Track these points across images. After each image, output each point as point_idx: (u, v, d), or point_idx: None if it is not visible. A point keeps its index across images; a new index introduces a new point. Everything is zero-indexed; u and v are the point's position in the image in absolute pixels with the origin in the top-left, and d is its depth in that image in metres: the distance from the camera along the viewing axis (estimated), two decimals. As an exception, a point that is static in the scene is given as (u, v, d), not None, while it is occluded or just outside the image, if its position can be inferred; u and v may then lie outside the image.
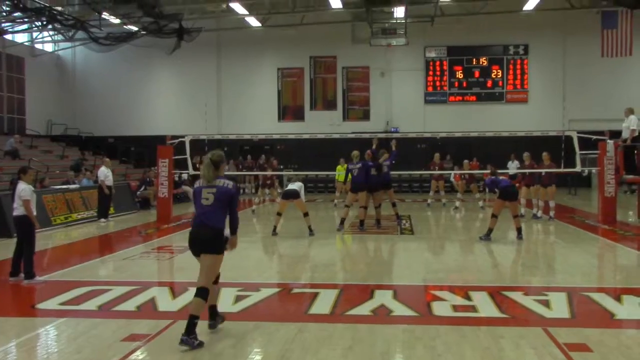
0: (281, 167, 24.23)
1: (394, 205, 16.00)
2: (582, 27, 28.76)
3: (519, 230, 13.19)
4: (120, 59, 30.21)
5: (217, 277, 6.63)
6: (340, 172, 21.28)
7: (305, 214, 14.20)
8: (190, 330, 5.97)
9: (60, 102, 32.24)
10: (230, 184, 6.45)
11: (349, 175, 15.16)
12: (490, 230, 13.04)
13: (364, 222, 15.02)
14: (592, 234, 14.34)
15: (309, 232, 13.97)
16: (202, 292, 6.21)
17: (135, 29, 24.93)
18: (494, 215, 13.12)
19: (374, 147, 16.05)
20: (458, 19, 28.45)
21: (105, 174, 17.38)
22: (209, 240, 6.29)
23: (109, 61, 30.49)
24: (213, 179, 6.37)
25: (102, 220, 17.26)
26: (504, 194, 13.05)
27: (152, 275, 10.10)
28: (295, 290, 8.61)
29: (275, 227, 14.13)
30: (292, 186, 14.06)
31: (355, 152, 15.12)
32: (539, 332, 6.43)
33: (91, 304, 7.79)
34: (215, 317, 6.61)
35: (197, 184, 6.54)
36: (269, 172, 20.85)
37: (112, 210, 18.28)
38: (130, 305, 7.74)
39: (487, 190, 20.01)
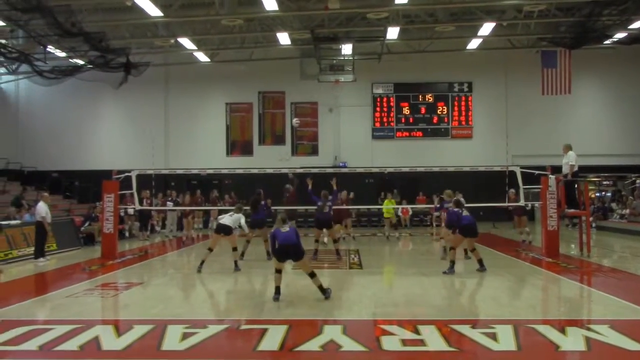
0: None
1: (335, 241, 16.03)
2: (523, 66, 29.71)
3: (480, 261, 13.36)
4: (66, 93, 29.82)
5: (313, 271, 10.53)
6: (387, 207, 21.62)
7: (234, 249, 14.09)
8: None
9: (2, 135, 31.43)
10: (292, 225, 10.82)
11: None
12: (452, 263, 13.12)
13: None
14: (536, 266, 14.60)
15: (235, 268, 13.83)
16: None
17: (81, 62, 24.62)
18: (452, 248, 13.30)
19: (309, 187, 15.98)
20: (404, 56, 29.09)
21: (46, 210, 16.31)
22: (294, 252, 10.33)
23: (55, 94, 30.05)
24: (282, 224, 10.42)
25: (41, 259, 16.10)
26: (465, 231, 13.21)
27: (96, 314, 9.79)
28: (244, 327, 8.49)
29: (202, 262, 13.77)
30: (224, 221, 13.87)
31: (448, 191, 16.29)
32: (486, 365, 6.47)
33: (31, 344, 7.49)
34: (324, 291, 10.32)
35: (273, 229, 10.51)
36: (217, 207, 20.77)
37: (54, 246, 17.79)
38: (72, 344, 7.47)
39: (433, 224, 20.19)
